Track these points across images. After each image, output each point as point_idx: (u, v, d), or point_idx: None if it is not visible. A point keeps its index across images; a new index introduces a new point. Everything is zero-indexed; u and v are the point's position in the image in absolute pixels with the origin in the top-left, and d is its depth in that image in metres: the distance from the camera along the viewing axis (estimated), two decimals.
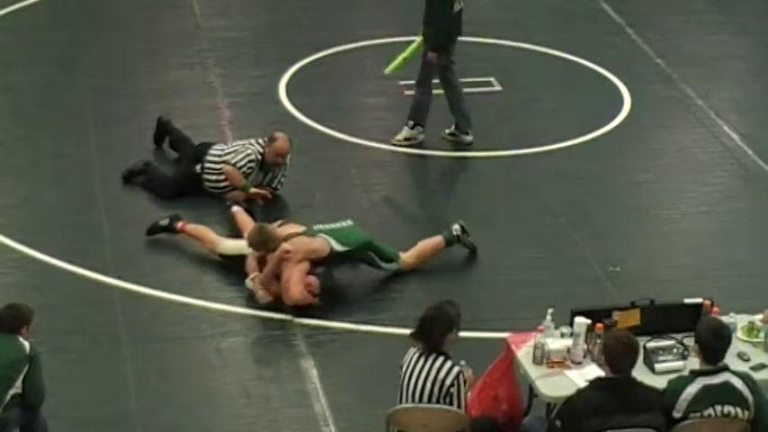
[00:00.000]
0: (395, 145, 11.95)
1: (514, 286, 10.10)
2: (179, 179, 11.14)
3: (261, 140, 11.02)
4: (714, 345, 7.40)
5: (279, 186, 11.12)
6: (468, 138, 12.04)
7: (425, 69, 11.83)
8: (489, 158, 11.89)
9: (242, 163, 10.92)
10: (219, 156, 11.04)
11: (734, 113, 12.74)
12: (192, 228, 10.34)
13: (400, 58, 11.98)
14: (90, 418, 8.64)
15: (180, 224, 10.38)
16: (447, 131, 12.10)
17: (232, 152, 10.99)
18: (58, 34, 13.88)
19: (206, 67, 13.01)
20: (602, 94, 13.09)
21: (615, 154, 12.06)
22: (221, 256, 10.15)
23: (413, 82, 12.08)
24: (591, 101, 13.00)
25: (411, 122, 11.97)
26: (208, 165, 11.04)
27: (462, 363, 7.82)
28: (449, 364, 7.71)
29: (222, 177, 10.98)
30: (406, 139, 11.98)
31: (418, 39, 11.90)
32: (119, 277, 10.02)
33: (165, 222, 10.44)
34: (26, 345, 7.80)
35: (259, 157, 10.94)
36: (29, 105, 12.50)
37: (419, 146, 11.98)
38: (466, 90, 12.37)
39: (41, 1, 14.51)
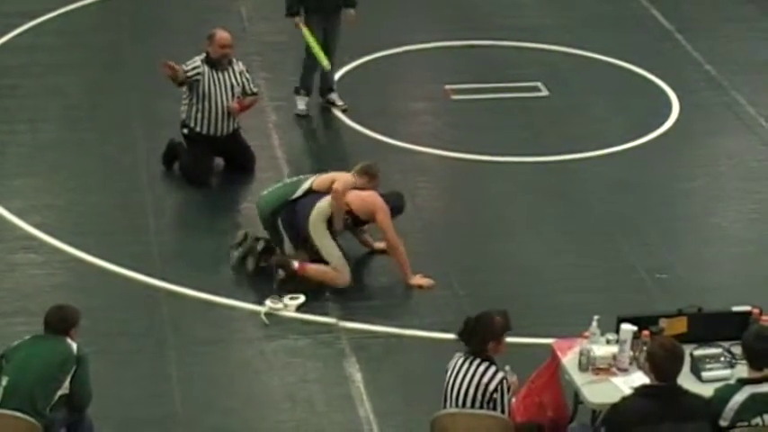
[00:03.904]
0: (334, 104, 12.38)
1: (560, 292, 10.06)
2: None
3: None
4: (757, 347, 7.34)
5: (256, 89, 11.55)
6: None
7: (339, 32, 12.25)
8: (536, 164, 11.86)
9: (186, 79, 11.20)
10: None
11: None
12: (312, 269, 9.96)
13: (317, 50, 12.07)
14: (135, 419, 8.67)
15: (297, 265, 9.97)
16: (326, 99, 12.46)
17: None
18: (106, 37, 13.98)
19: (252, 71, 13.02)
20: (650, 100, 13.02)
21: (663, 161, 11.99)
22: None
23: (460, 86, 12.03)
24: (639, 107, 12.92)
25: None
26: None
27: (507, 368, 7.79)
28: (492, 369, 7.69)
29: None
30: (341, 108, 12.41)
31: (303, 28, 12.10)
32: (165, 279, 10.06)
33: (281, 276, 9.97)
34: (74, 346, 7.85)
35: (201, 63, 11.21)
36: (78, 108, 12.60)
37: (465, 150, 11.96)
38: (513, 95, 12.33)
39: (91, 4, 14.61)
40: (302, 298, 9.78)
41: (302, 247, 10.09)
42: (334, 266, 9.93)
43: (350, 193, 9.99)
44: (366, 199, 10.02)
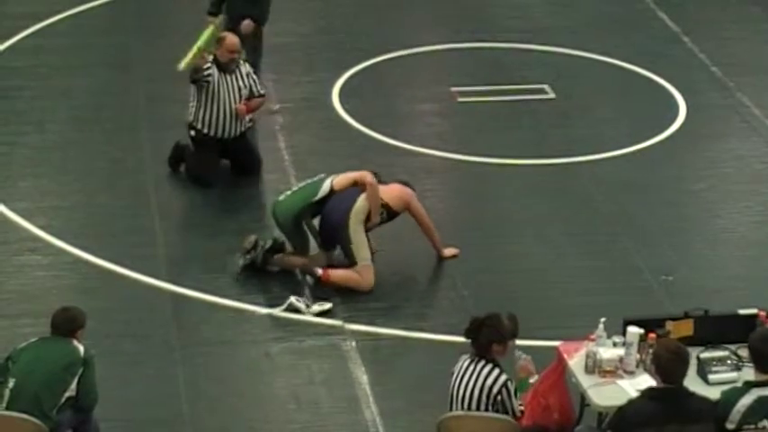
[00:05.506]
0: (273, 112, 12.34)
1: (567, 294, 10.05)
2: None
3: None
4: (764, 349, 7.32)
5: (263, 91, 11.54)
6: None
7: (259, 42, 12.35)
8: (542, 165, 11.85)
9: (201, 77, 11.13)
10: None
11: None
12: (337, 275, 9.97)
13: (195, 49, 11.68)
14: (141, 420, 8.68)
15: (321, 272, 9.99)
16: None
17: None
18: (113, 39, 14.00)
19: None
20: (657, 102, 13.01)
21: (670, 163, 11.98)
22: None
23: (466, 88, 12.02)
24: (646, 109, 12.92)
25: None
26: None
27: (522, 354, 7.81)
28: (496, 371, 7.69)
29: None
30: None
31: (211, 27, 12.00)
32: (171, 281, 10.07)
33: (310, 282, 10.04)
34: (80, 348, 7.86)
35: (211, 64, 11.14)
36: (84, 109, 12.61)
37: (471, 152, 11.96)
38: (520, 98, 12.30)
39: (98, 6, 14.63)
40: (328, 305, 9.78)
41: (331, 249, 10.10)
42: (360, 268, 9.93)
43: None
44: (394, 189, 10.19)
